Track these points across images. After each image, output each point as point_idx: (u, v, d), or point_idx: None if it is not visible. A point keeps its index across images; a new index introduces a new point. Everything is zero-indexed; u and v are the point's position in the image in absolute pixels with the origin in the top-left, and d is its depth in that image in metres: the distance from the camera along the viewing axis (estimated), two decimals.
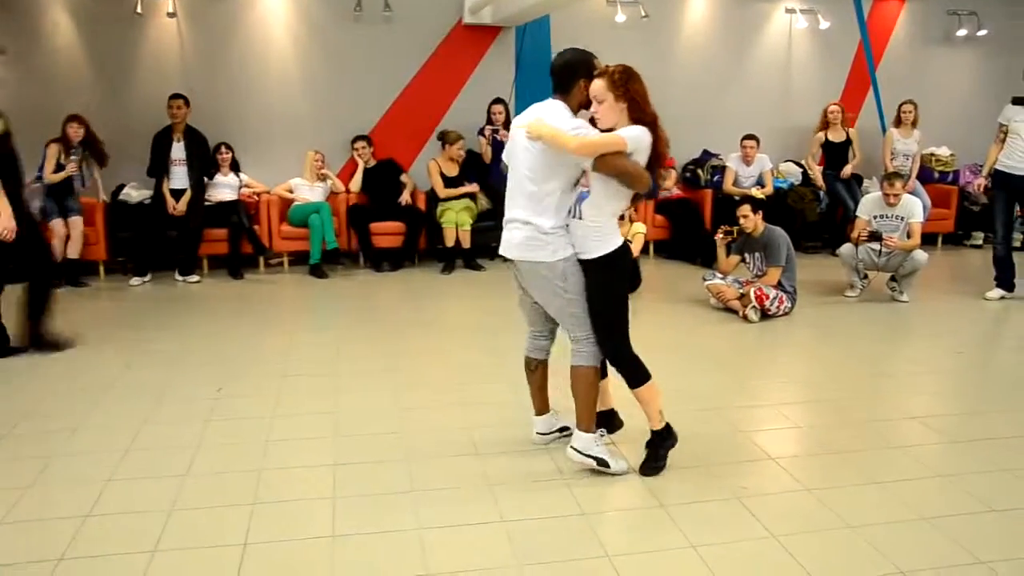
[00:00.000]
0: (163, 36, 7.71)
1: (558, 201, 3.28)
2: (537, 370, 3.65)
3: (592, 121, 3.26)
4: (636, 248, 6.64)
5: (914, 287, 6.66)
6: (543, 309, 3.48)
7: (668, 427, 3.49)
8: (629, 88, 3.19)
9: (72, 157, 6.91)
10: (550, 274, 3.29)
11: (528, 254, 3.30)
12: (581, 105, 3.31)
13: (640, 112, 3.21)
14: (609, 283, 3.32)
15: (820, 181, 8.57)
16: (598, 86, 3.21)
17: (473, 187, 7.90)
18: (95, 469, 3.48)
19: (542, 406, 3.70)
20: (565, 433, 3.69)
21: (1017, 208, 6.60)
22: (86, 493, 3.26)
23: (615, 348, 3.38)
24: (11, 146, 4.94)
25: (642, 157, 3.19)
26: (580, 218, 3.28)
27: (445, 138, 7.85)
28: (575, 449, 3.43)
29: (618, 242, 3.31)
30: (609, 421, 3.69)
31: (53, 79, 7.50)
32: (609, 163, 3.14)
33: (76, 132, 6.93)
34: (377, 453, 3.67)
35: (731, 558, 2.83)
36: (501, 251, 3.43)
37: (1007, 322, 6.18)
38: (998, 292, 6.68)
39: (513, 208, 3.37)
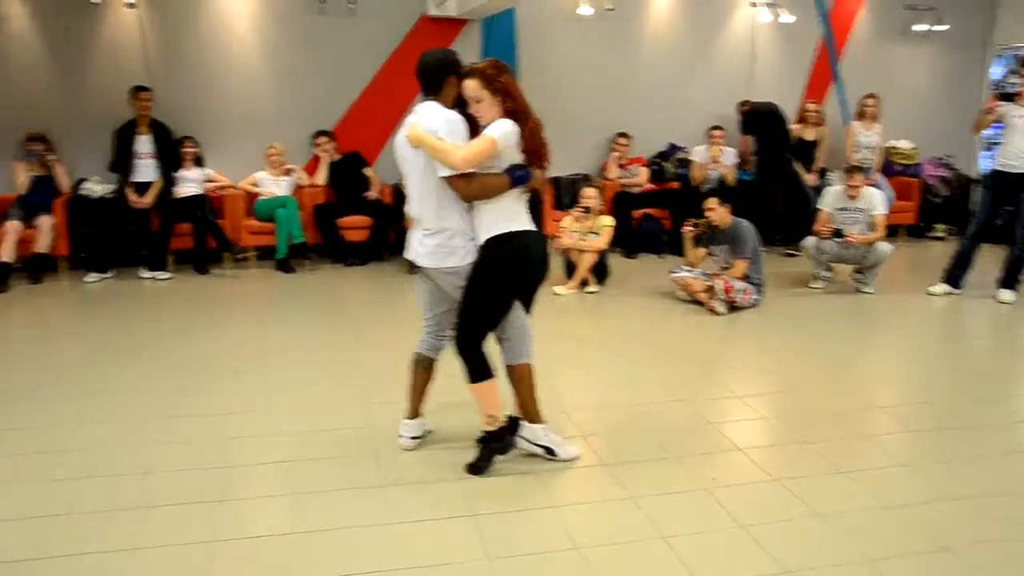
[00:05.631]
0: (122, 27, 7.54)
1: (462, 203, 3.27)
2: (428, 369, 3.61)
3: (471, 120, 3.22)
4: (605, 241, 6.67)
5: (878, 278, 6.75)
6: (452, 312, 3.42)
7: (502, 432, 3.45)
8: (501, 80, 3.17)
9: (31, 159, 7.05)
10: (457, 280, 3.30)
11: (439, 262, 3.30)
12: (455, 101, 3.27)
13: (513, 102, 3.18)
14: (483, 269, 3.26)
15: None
16: (472, 86, 3.17)
17: None
18: (46, 469, 3.41)
19: (417, 409, 3.65)
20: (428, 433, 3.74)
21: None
22: (38, 494, 3.20)
23: (467, 337, 3.34)
24: None
25: (513, 152, 3.18)
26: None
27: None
28: (525, 439, 3.49)
29: (502, 229, 3.24)
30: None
31: (3, 71, 7.30)
32: (460, 187, 3.17)
33: (35, 148, 7.10)
34: (344, 448, 3.64)
35: (701, 549, 2.85)
36: (410, 258, 3.40)
37: (967, 312, 6.28)
38: (943, 287, 6.55)
39: (419, 215, 3.35)
